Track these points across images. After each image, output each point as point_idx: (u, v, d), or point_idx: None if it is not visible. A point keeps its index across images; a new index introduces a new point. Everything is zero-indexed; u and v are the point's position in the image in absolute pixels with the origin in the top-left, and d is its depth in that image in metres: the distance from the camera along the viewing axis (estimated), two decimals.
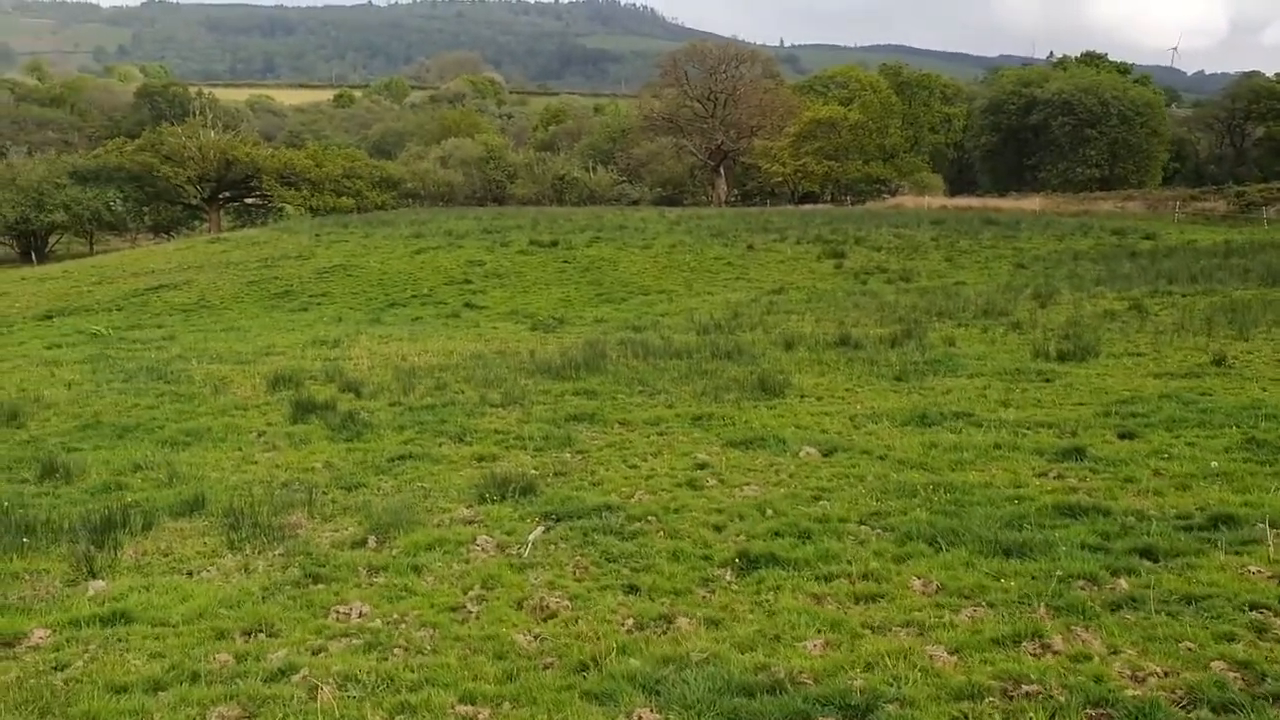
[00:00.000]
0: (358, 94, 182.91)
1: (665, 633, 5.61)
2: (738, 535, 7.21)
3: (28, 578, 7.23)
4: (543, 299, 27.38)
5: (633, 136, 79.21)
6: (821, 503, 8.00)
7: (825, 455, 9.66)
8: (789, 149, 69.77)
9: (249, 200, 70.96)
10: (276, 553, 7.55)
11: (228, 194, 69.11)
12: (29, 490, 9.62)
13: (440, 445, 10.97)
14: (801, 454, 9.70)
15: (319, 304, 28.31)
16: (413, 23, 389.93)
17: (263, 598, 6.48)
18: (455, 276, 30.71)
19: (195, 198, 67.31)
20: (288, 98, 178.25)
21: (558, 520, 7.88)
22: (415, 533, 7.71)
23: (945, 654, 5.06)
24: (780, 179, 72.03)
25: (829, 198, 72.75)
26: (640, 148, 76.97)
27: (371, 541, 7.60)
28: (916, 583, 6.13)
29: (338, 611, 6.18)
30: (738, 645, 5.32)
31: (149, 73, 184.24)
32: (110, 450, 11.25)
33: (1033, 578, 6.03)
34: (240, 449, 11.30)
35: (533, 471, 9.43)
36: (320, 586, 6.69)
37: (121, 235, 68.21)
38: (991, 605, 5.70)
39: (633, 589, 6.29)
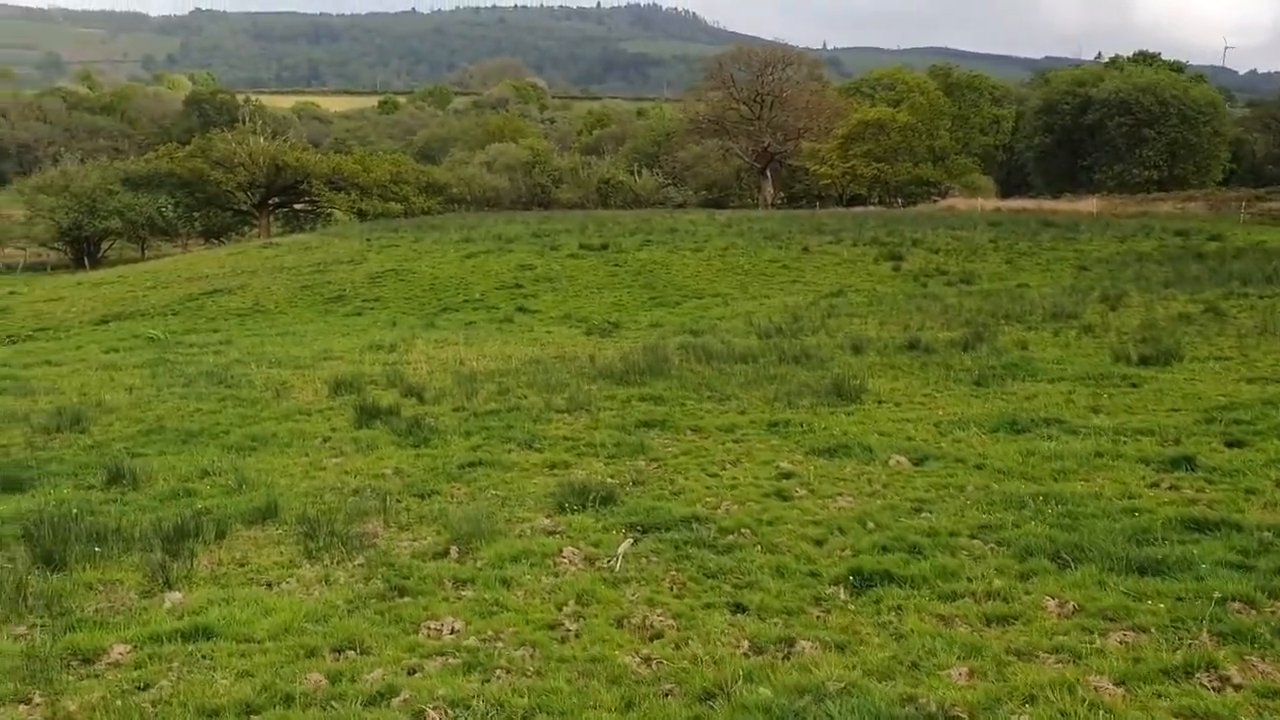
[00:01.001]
0: (402, 100, 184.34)
1: (787, 657, 5.24)
2: (842, 550, 6.83)
3: (102, 589, 7.00)
4: (595, 303, 27.09)
5: (678, 140, 78.84)
6: (924, 515, 7.60)
7: (916, 464, 9.26)
8: (837, 151, 69.08)
9: (298, 206, 71.41)
10: (356, 563, 7.28)
11: (277, 199, 69.58)
12: (96, 497, 9.44)
13: (509, 452, 10.68)
14: (891, 463, 9.30)
15: (372, 308, 28.22)
16: (456, 29, 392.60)
17: (348, 612, 6.19)
18: (506, 281, 30.52)
19: (245, 203, 67.85)
20: (333, 105, 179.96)
21: (644, 532, 7.54)
22: (497, 543, 7.40)
23: (1110, 685, 4.65)
24: (828, 181, 71.32)
25: (876, 200, 71.99)
26: (686, 151, 76.60)
27: (454, 552, 7.30)
28: (1050, 603, 5.71)
29: (429, 628, 5.87)
30: (873, 673, 4.94)
31: (197, 80, 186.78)
32: (175, 456, 11.06)
33: (1179, 599, 5.60)
34: (307, 454, 11.08)
35: (609, 480, 9.10)
36: (407, 600, 6.39)
37: (173, 241, 68.88)
38: (1142, 629, 5.28)
39: (740, 608, 5.93)
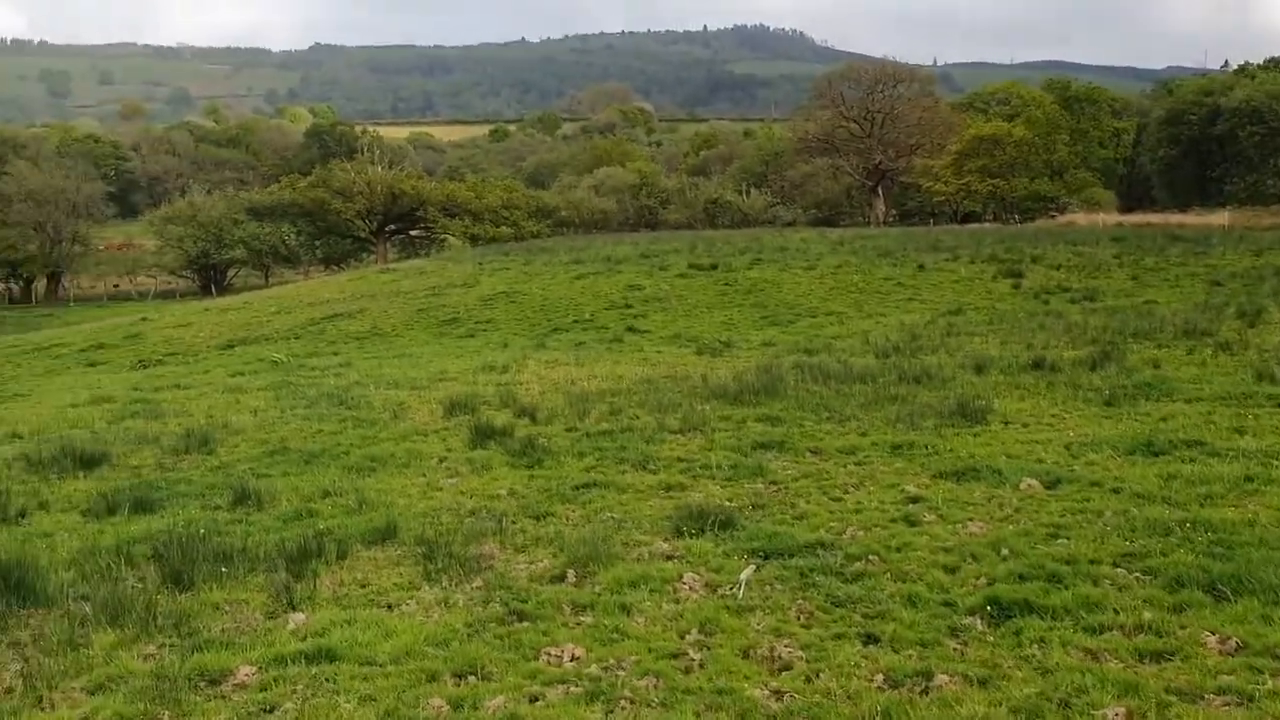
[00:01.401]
0: (512, 128, 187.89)
1: (925, 692, 4.97)
2: (977, 578, 6.51)
3: (228, 609, 7.08)
4: (705, 322, 26.92)
5: (787, 159, 78.43)
6: (1061, 541, 7.21)
7: (1049, 488, 8.84)
8: (951, 167, 67.85)
9: (413, 232, 73.12)
10: (474, 585, 7.23)
11: (394, 226, 71.37)
12: (222, 517, 9.61)
13: (623, 473, 10.56)
14: (1022, 486, 8.90)
15: (485, 330, 28.54)
16: (564, 57, 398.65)
17: (468, 636, 6.12)
18: (615, 301, 30.56)
19: (364, 231, 69.77)
20: (446, 134, 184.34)
21: (766, 558, 7.32)
22: (615, 567, 7.27)
23: None
24: (942, 198, 70.07)
25: (991, 217, 70.40)
26: (795, 169, 76.13)
27: (571, 576, 7.19)
28: (1210, 639, 5.32)
29: (549, 654, 5.76)
30: (1020, 710, 4.65)
31: (317, 113, 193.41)
32: (298, 476, 11.23)
33: None
34: (424, 475, 11.14)
35: (727, 503, 8.91)
36: (525, 625, 6.30)
37: (295, 268, 71.15)
38: None
39: (871, 638, 5.67)
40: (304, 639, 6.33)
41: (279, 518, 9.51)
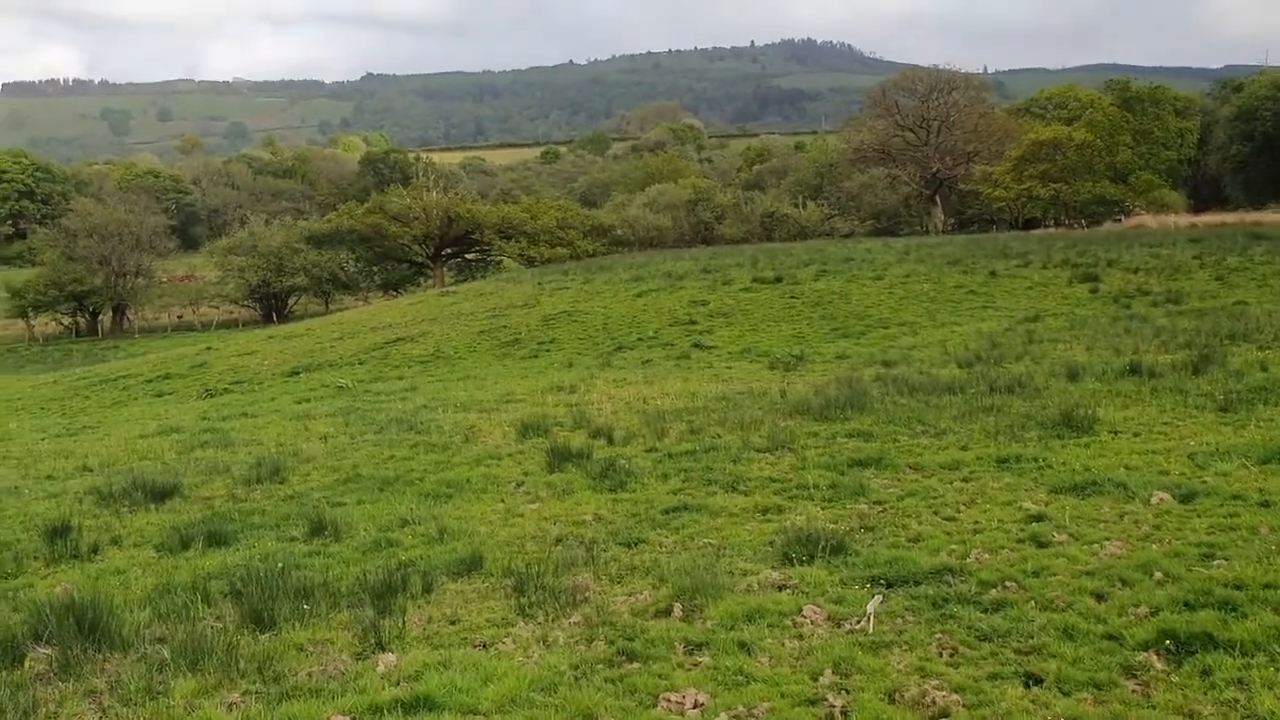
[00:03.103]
0: (563, 150, 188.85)
1: None
2: (1135, 606, 5.86)
3: (312, 650, 6.63)
4: (774, 336, 26.30)
5: (842, 170, 77.55)
6: (1218, 563, 6.54)
7: (1184, 502, 8.14)
8: (1011, 173, 66.50)
9: (469, 255, 73.26)
10: (572, 620, 6.72)
11: (450, 250, 71.54)
12: (300, 549, 9.21)
13: (713, 495, 10.02)
14: (1153, 501, 8.21)
15: (548, 351, 28.15)
16: (612, 77, 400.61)
17: (576, 679, 5.60)
18: (680, 317, 30.03)
19: (420, 255, 70.02)
20: (497, 158, 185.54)
21: (889, 586, 6.73)
22: (725, 600, 6.71)
23: None
24: (1002, 204, 68.73)
25: (1052, 222, 68.89)
26: (851, 180, 75.22)
27: (678, 610, 6.64)
28: None
29: (668, 700, 5.21)
30: None
31: (370, 142, 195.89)
32: (374, 504, 10.82)
33: None
34: (503, 500, 10.68)
35: (832, 525, 8.31)
36: (637, 666, 5.76)
37: (354, 294, 71.55)
38: None
39: (1034, 679, 5.05)
40: (397, 684, 5.86)
41: (358, 548, 9.09)
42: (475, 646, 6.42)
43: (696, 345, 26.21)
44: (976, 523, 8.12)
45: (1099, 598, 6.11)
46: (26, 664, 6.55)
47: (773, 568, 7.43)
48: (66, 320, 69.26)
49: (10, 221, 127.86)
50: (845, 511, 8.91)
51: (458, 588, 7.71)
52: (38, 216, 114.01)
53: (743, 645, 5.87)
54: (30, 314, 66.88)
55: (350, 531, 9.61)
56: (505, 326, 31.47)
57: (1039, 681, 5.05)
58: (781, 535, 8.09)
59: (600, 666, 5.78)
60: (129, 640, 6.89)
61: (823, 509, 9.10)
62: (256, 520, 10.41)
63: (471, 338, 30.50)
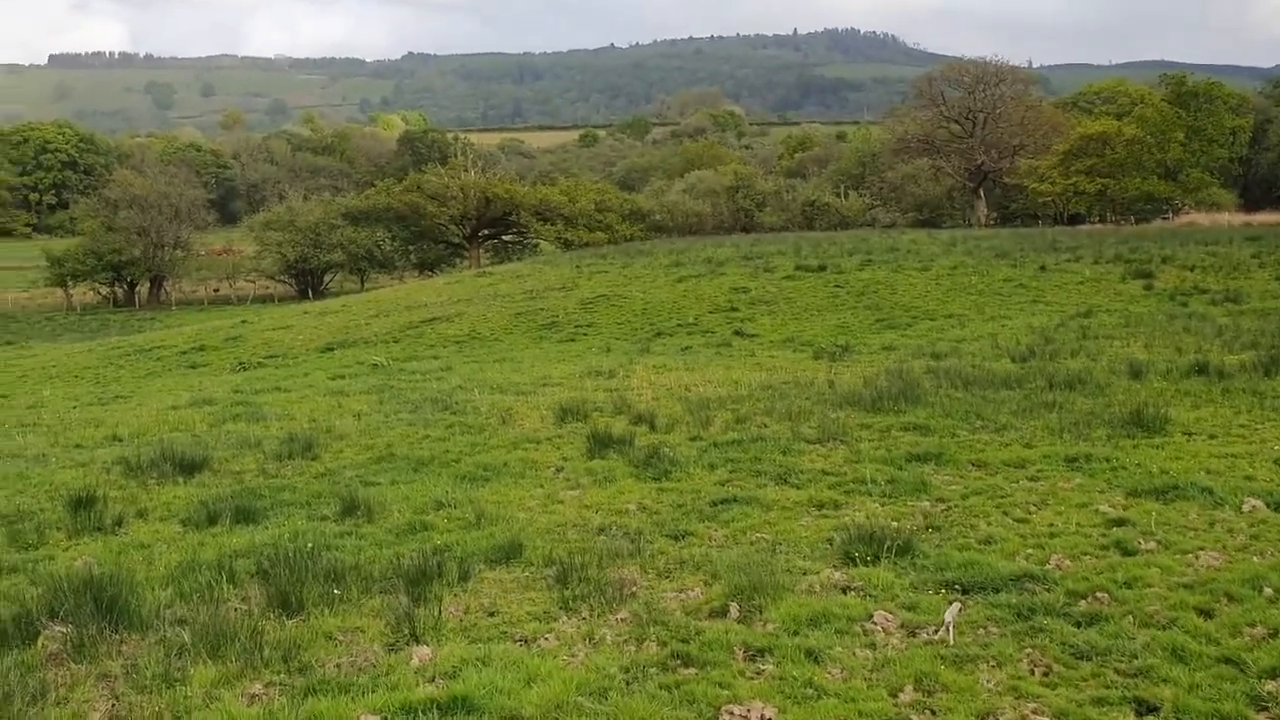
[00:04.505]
0: (601, 133, 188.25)
1: None
2: (1250, 626, 5.31)
3: (342, 639, 6.20)
4: (818, 325, 25.69)
5: (885, 160, 76.51)
6: None
7: (1279, 510, 7.54)
8: (1057, 167, 65.23)
9: (506, 237, 72.91)
10: (619, 617, 6.25)
11: (487, 231, 71.21)
12: (331, 529, 8.80)
13: (763, 488, 9.52)
14: (1245, 508, 7.62)
15: (585, 334, 27.70)
16: (653, 62, 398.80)
17: (628, 685, 5.12)
18: (720, 304, 29.47)
19: (457, 235, 69.74)
20: (536, 140, 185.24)
21: (965, 592, 6.20)
22: (785, 600, 6.21)
23: None
24: (1047, 199, 67.48)
25: (1098, 218, 67.59)
26: (894, 171, 74.18)
27: (734, 610, 6.15)
28: None
29: (731, 713, 4.73)
30: None
31: (409, 121, 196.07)
32: (408, 485, 10.41)
33: None
34: (541, 485, 10.23)
35: (894, 523, 7.78)
36: (693, 672, 5.27)
37: (390, 273, 71.40)
38: None
39: (1146, 707, 4.53)
40: (432, 680, 5.41)
41: (391, 530, 8.67)
42: (516, 642, 5.97)
43: (738, 333, 25.66)
44: (1051, 525, 7.58)
45: (1205, 614, 5.56)
46: (40, 643, 6.17)
47: (834, 567, 6.92)
48: (104, 290, 69.58)
49: (53, 191, 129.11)
50: (907, 509, 8.39)
51: (496, 576, 7.27)
52: (80, 187, 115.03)
53: (810, 653, 5.37)
54: (69, 283, 67.21)
55: (383, 512, 9.20)
56: (542, 309, 31.04)
57: (1153, 710, 4.52)
58: (841, 532, 7.59)
59: (653, 671, 5.31)
60: (148, 621, 6.50)
61: (882, 505, 8.58)
62: (287, 497, 10.03)
63: (508, 319, 30.09)
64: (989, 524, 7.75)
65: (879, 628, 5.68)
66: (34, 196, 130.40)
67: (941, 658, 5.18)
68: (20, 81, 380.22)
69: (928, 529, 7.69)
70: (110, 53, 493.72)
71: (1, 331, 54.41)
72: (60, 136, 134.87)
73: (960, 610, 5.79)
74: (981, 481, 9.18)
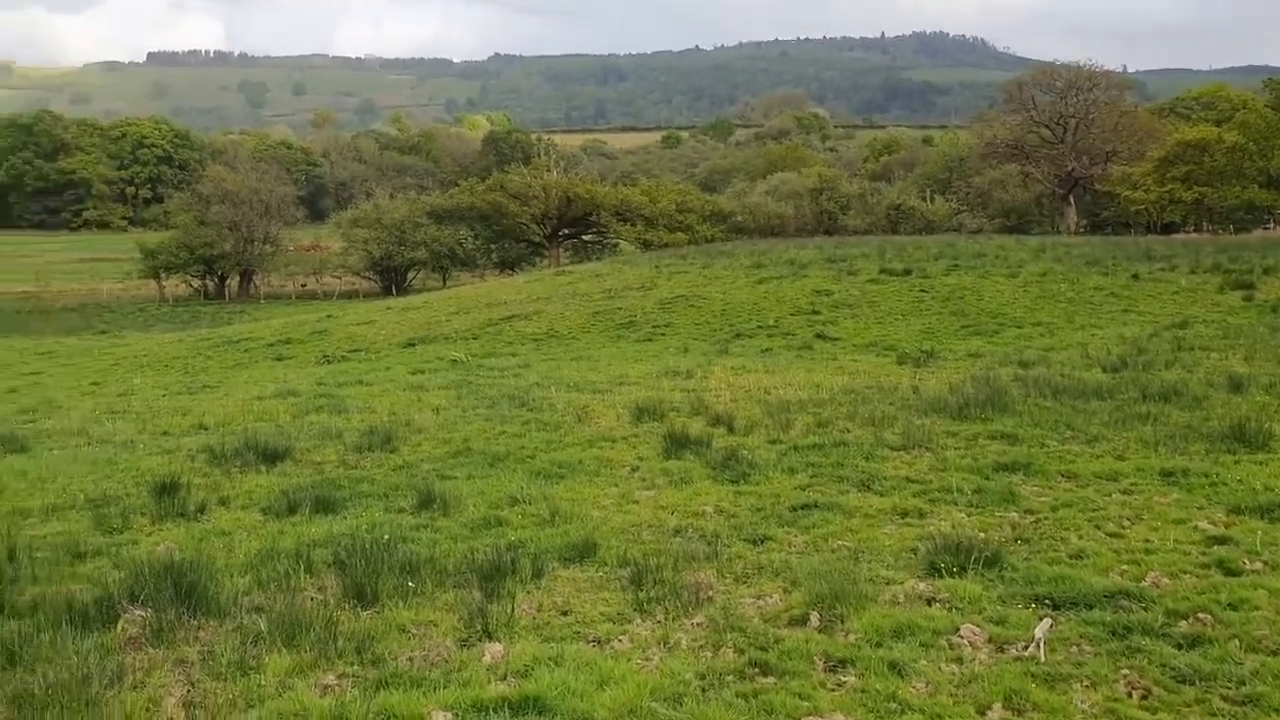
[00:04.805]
0: (684, 135, 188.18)
1: None
2: None
3: (416, 632, 6.16)
4: (902, 330, 25.24)
5: (973, 164, 75.11)
6: None
7: None
8: (1152, 174, 63.40)
9: (586, 236, 73.20)
10: (695, 621, 6.11)
11: (567, 231, 71.58)
12: (407, 521, 8.81)
13: (845, 494, 9.29)
14: None
15: (663, 334, 27.59)
16: (738, 64, 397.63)
17: (704, 691, 4.98)
18: (802, 307, 29.12)
19: (537, 235, 70.20)
20: (618, 141, 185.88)
21: (1056, 607, 5.94)
22: (868, 611, 6.01)
23: None
24: (1140, 207, 65.62)
25: (1193, 227, 65.53)
26: (981, 176, 72.79)
27: (815, 619, 5.97)
28: None
29: None
30: None
31: (494, 121, 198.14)
32: (484, 480, 10.40)
33: None
34: (616, 485, 10.13)
35: (981, 534, 7.52)
36: (772, 681, 5.11)
37: (471, 271, 72.14)
38: None
39: None
40: (504, 678, 5.33)
41: (466, 525, 8.65)
42: (589, 642, 5.87)
43: (819, 336, 25.33)
44: (1147, 541, 7.25)
45: None
46: (119, 626, 6.23)
47: (918, 578, 6.70)
48: (196, 283, 71.42)
49: (149, 185, 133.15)
50: (994, 520, 8.11)
51: (569, 575, 7.19)
52: (174, 182, 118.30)
53: (893, 666, 5.17)
54: (162, 275, 69.12)
55: (459, 506, 9.19)
56: (620, 308, 31.00)
57: None
58: (926, 542, 7.35)
59: (730, 678, 5.16)
60: (226, 607, 6.54)
61: (969, 515, 8.32)
62: (365, 489, 10.09)
63: (586, 318, 30.11)
64: (1080, 538, 7.45)
65: (966, 642, 5.46)
66: (130, 190, 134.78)
67: (1032, 675, 4.95)
68: (120, 79, 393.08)
69: (1016, 541, 7.42)
70: (206, 51, 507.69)
71: (96, 321, 56.15)
72: (156, 132, 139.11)
73: (1052, 626, 5.54)
74: (1072, 494, 8.85)
